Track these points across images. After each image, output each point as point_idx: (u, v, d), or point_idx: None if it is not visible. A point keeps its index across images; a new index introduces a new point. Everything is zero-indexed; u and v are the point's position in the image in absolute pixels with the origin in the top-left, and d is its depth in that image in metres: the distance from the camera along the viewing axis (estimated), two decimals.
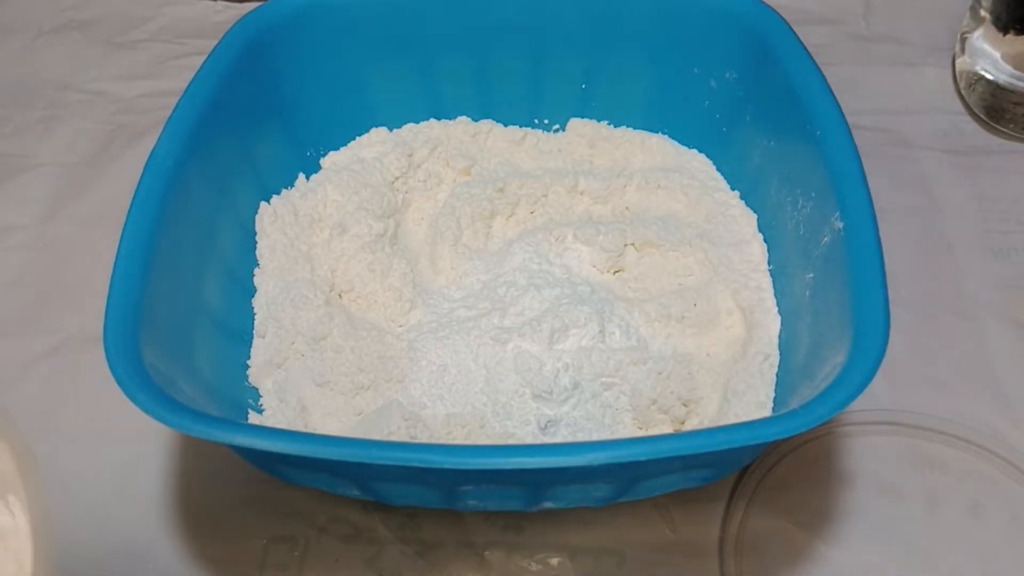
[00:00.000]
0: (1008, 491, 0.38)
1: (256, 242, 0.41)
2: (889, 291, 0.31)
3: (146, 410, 0.28)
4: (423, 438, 0.35)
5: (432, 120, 0.47)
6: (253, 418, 0.37)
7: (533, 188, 0.44)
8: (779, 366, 0.38)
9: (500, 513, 0.38)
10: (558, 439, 0.36)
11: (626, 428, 0.37)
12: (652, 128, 0.46)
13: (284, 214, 0.42)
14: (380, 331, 0.39)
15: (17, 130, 0.53)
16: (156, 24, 0.58)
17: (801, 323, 0.36)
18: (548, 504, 0.34)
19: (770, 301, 0.39)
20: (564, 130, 0.47)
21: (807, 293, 0.36)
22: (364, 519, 0.38)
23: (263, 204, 0.42)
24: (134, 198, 0.34)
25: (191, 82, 0.38)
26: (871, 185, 0.34)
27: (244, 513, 0.38)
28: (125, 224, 0.33)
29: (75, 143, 0.52)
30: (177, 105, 0.37)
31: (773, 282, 0.40)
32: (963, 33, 0.49)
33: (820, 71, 0.37)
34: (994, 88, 0.48)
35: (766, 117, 0.41)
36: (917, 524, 0.37)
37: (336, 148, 0.46)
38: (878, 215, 0.33)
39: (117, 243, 0.33)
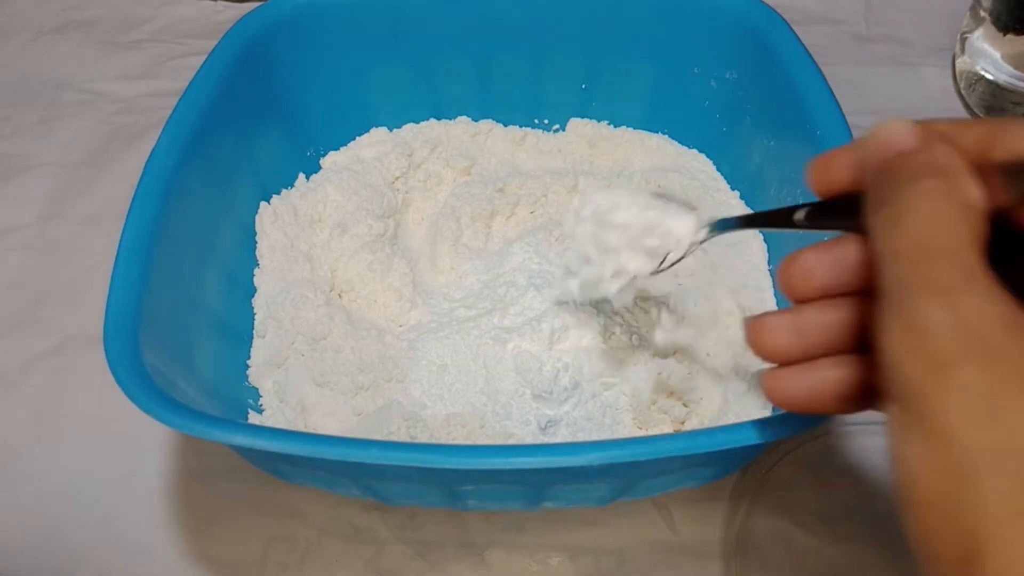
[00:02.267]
0: None
1: (256, 242, 0.41)
2: None
3: (146, 410, 0.28)
4: (423, 438, 0.35)
5: (432, 120, 0.47)
6: (253, 418, 0.37)
7: (533, 188, 0.44)
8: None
9: (500, 513, 0.38)
10: (558, 439, 0.36)
11: (626, 428, 0.37)
12: (652, 128, 0.46)
13: (284, 214, 0.42)
14: (380, 331, 0.39)
15: (17, 130, 0.53)
16: (156, 24, 0.58)
17: None
18: (548, 504, 0.34)
19: (770, 301, 0.39)
20: (564, 130, 0.47)
21: None
22: (364, 519, 0.38)
23: (263, 204, 0.42)
24: (134, 198, 0.34)
25: (191, 82, 0.38)
26: None
27: (244, 513, 0.38)
28: (125, 224, 0.33)
29: (75, 143, 0.52)
30: (177, 105, 0.37)
31: (773, 282, 0.40)
32: (963, 33, 0.49)
33: (820, 71, 0.37)
34: (994, 88, 0.48)
35: (766, 117, 0.41)
36: None
37: (336, 148, 0.46)
38: None
39: (117, 243, 0.33)
